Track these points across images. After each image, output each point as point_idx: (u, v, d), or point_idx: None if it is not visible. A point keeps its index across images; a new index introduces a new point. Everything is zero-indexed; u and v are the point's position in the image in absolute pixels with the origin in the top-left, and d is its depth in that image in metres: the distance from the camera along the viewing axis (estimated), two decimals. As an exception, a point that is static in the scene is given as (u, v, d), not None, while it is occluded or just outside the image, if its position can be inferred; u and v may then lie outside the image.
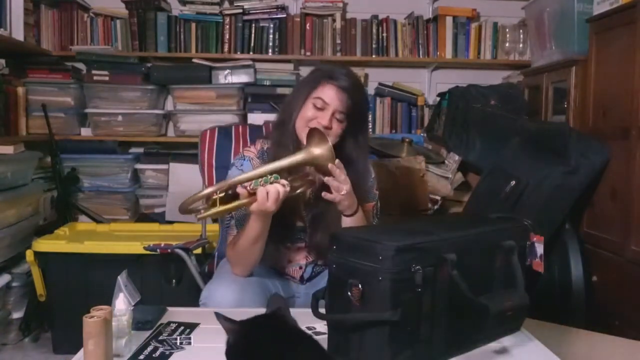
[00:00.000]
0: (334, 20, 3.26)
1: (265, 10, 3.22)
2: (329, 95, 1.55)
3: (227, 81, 3.17)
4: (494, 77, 3.36)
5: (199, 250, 2.11)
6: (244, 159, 1.67)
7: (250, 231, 1.49)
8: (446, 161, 2.89)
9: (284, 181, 1.42)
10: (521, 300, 1.22)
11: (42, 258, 2.52)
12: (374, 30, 3.28)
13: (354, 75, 1.63)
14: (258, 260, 1.56)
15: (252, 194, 1.40)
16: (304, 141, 1.52)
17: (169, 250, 2.05)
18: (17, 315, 2.67)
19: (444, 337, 1.15)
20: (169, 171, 3.16)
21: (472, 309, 1.13)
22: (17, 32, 2.81)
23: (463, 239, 1.20)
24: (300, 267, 1.71)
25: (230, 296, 1.50)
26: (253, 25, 3.23)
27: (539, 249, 1.34)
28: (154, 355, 1.16)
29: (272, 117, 1.86)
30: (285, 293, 1.70)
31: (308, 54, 3.24)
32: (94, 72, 3.11)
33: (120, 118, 3.15)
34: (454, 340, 1.18)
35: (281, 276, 1.74)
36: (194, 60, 3.18)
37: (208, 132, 2.08)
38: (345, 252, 1.16)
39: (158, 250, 2.15)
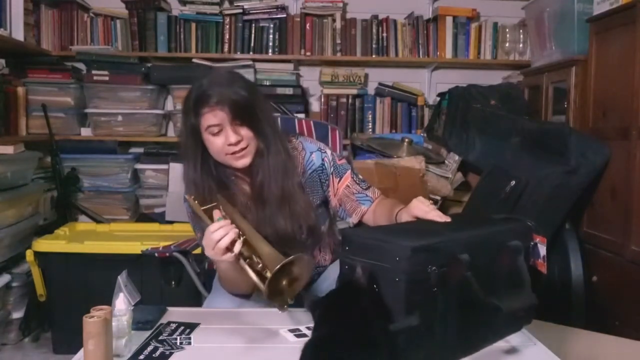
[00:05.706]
0: (334, 20, 3.26)
1: (265, 10, 3.22)
2: (214, 118, 1.44)
3: (227, 81, 3.16)
4: (494, 77, 3.36)
5: (198, 250, 2.10)
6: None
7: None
8: (446, 161, 2.89)
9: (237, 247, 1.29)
10: (529, 300, 1.21)
11: (42, 258, 2.53)
12: (374, 30, 3.28)
13: (218, 76, 1.52)
14: (247, 289, 1.49)
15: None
16: (234, 165, 1.48)
17: (167, 254, 2.04)
18: (17, 315, 2.67)
19: (455, 337, 1.15)
20: (169, 171, 3.16)
21: (483, 310, 1.13)
22: (17, 32, 2.81)
23: (473, 239, 1.19)
24: None
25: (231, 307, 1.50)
26: (253, 25, 3.23)
27: (542, 249, 1.34)
28: (154, 355, 1.16)
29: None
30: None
31: (308, 54, 3.24)
32: (94, 72, 3.11)
33: (120, 118, 3.15)
34: (465, 341, 1.17)
35: None
36: (194, 60, 3.18)
37: (208, 132, 2.06)
38: (358, 253, 1.14)
39: (156, 254, 2.14)
